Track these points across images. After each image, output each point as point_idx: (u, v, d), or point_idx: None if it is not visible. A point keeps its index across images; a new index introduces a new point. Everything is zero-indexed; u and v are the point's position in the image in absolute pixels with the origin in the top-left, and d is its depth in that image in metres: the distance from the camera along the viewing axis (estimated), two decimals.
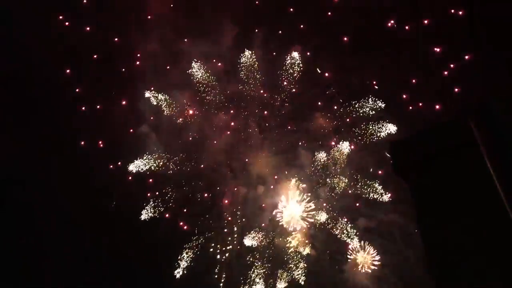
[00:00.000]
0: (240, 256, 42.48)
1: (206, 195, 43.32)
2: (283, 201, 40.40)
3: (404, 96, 36.70)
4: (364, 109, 40.91)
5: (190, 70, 42.73)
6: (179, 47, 42.34)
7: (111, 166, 41.02)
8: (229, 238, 42.72)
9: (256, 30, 41.58)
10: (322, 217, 39.98)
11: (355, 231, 40.02)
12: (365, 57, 37.59)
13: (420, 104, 35.25)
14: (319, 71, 41.29)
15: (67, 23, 39.19)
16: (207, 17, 41.38)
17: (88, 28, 39.40)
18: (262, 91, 43.78)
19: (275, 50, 43.06)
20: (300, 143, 43.01)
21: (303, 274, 40.25)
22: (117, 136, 40.91)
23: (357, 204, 41.27)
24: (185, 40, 40.89)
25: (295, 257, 40.90)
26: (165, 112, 42.79)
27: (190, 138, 44.39)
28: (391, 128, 39.27)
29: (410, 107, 36.10)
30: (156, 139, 43.30)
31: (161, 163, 41.25)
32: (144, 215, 40.49)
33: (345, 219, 40.65)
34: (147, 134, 42.62)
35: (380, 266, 38.37)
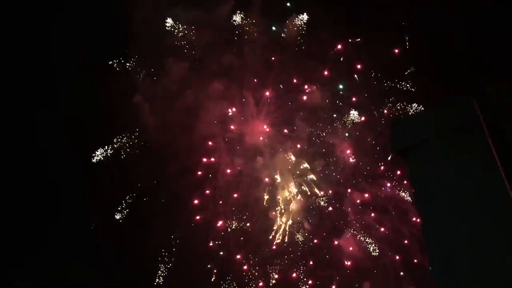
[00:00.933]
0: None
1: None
2: (279, 175, 40.60)
3: None
4: None
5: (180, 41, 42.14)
6: (174, 14, 41.58)
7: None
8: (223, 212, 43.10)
9: None
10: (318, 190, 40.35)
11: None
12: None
13: None
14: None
15: None
16: None
17: None
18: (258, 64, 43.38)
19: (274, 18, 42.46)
20: (297, 115, 42.90)
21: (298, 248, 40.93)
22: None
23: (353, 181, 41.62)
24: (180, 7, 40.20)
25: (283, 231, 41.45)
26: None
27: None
28: None
29: None
30: (149, 110, 42.88)
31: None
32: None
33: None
34: (140, 104, 42.19)
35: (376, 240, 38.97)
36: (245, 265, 41.74)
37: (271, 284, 40.76)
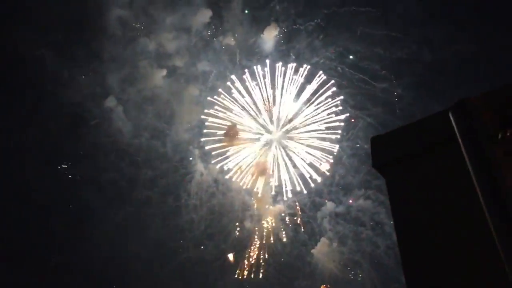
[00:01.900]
0: None
1: None
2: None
3: None
4: None
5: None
6: (151, 15, 41.28)
7: None
8: None
9: None
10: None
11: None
12: None
13: None
14: None
15: None
16: None
17: None
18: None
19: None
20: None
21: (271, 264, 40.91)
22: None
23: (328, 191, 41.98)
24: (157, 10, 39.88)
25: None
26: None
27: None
28: None
29: None
30: (123, 113, 42.18)
31: None
32: None
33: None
34: (113, 108, 41.21)
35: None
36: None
37: None
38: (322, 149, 42.72)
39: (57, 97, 38.65)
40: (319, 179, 41.91)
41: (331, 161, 42.06)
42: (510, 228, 6.08)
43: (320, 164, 42.46)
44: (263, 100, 44.77)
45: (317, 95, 42.31)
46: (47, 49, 37.93)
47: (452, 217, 6.03)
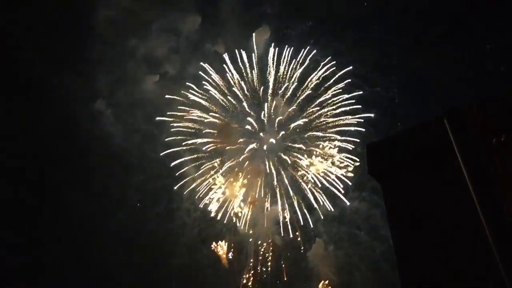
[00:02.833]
0: None
1: None
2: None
3: None
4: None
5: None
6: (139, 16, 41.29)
7: None
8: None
9: None
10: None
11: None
12: None
13: None
14: None
15: None
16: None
17: None
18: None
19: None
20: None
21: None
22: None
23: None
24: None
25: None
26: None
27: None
28: None
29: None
30: (112, 116, 42.00)
31: None
32: None
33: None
34: (103, 111, 41.04)
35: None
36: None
37: None
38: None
39: (45, 100, 38.37)
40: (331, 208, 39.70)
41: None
42: (505, 233, 6.25)
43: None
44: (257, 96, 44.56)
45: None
46: (36, 51, 37.75)
47: (448, 222, 6.18)
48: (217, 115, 43.58)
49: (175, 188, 41.90)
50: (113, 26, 39.44)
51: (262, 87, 43.78)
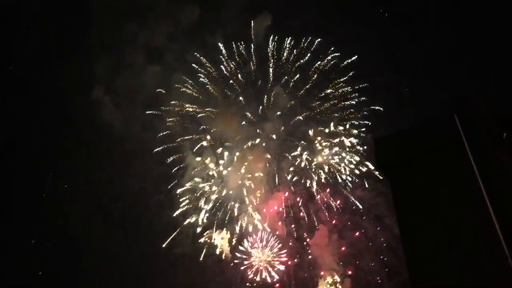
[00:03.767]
0: None
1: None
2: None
3: None
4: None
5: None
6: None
7: None
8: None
9: None
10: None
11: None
12: None
13: None
14: None
15: None
16: None
17: None
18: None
19: None
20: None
21: None
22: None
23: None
24: None
25: None
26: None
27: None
28: None
29: None
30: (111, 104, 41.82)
31: None
32: None
33: None
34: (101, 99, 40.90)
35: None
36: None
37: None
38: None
39: (42, 89, 38.29)
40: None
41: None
42: None
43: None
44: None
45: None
46: (31, 39, 37.66)
47: (456, 216, 6.31)
48: (212, 109, 43.59)
49: (170, 186, 42.12)
50: (111, 12, 39.13)
51: (261, 78, 43.68)
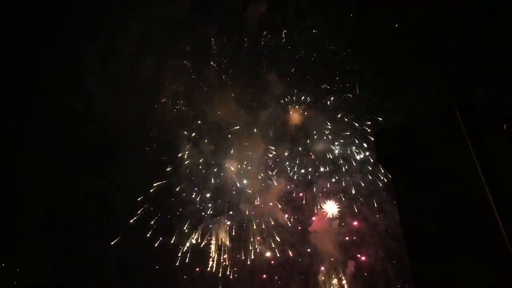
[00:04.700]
0: None
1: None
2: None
3: None
4: None
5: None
6: None
7: None
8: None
9: None
10: None
11: None
12: None
13: None
14: None
15: None
16: None
17: None
18: None
19: None
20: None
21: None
22: None
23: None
24: None
25: None
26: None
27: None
28: None
29: None
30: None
31: None
32: None
33: None
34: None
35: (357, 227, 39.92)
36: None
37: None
38: None
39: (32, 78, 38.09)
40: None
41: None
42: None
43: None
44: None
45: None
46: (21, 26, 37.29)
47: (457, 208, 6.40)
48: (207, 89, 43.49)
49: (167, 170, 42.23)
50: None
51: (258, 65, 43.46)
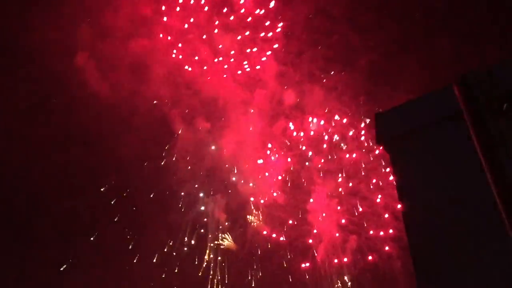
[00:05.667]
0: None
1: None
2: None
3: None
4: None
5: None
6: None
7: None
8: None
9: None
10: None
11: None
12: None
13: None
14: None
15: None
16: None
17: None
18: None
19: None
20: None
21: None
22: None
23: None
24: None
25: None
26: None
27: None
28: None
29: None
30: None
31: None
32: None
33: None
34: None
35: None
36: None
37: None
38: None
39: (22, 59, 37.64)
40: None
41: None
42: None
43: None
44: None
45: None
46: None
47: (456, 189, 6.60)
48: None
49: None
50: None
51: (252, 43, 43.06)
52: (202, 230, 43.03)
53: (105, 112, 39.96)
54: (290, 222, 41.91)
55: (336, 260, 39.51)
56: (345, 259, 39.30)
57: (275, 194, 41.49)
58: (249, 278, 41.78)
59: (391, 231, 38.57)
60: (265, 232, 41.98)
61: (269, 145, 42.05)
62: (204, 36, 42.72)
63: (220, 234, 42.92)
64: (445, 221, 6.14)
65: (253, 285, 41.56)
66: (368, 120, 40.41)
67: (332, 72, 41.33)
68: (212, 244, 42.94)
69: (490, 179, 6.02)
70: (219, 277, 42.64)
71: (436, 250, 6.19)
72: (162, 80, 41.97)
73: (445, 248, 6.14)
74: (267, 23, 42.72)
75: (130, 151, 40.13)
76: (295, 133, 42.22)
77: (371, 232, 39.41)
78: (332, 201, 40.31)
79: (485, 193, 5.96)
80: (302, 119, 41.96)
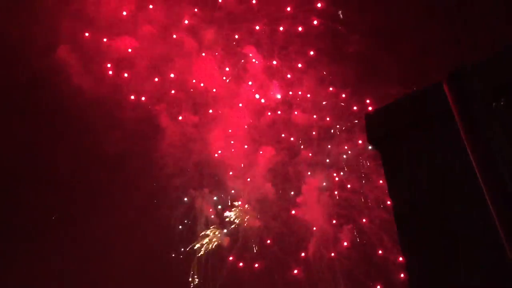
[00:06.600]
0: None
1: None
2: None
3: None
4: None
5: None
6: None
7: None
8: None
9: None
10: None
11: None
12: None
13: None
14: None
15: None
16: None
17: None
18: None
19: None
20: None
21: None
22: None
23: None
24: None
25: None
26: None
27: None
28: None
29: None
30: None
31: None
32: None
33: None
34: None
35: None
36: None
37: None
38: None
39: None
40: None
41: None
42: (506, 198, 6.73)
43: None
44: None
45: None
46: None
47: (447, 187, 6.63)
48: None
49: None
50: None
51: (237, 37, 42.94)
52: (190, 226, 43.15)
53: (89, 108, 39.69)
54: (279, 215, 42.17)
55: (332, 254, 39.86)
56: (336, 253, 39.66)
57: (264, 188, 41.69)
58: (240, 274, 42.00)
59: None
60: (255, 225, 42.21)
61: (258, 139, 42.21)
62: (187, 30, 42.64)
63: (209, 231, 43.04)
64: (435, 218, 6.17)
65: (244, 282, 41.82)
66: (355, 108, 40.74)
67: (320, 64, 41.46)
68: (202, 242, 43.07)
69: (481, 180, 6.04)
70: (209, 274, 42.83)
71: (427, 250, 6.23)
72: (146, 74, 41.80)
73: (436, 247, 6.18)
74: (251, 18, 42.67)
75: (115, 147, 40.00)
76: (283, 126, 42.46)
77: (364, 220, 39.79)
78: (322, 194, 40.60)
79: (475, 193, 5.98)
80: (290, 112, 42.18)
